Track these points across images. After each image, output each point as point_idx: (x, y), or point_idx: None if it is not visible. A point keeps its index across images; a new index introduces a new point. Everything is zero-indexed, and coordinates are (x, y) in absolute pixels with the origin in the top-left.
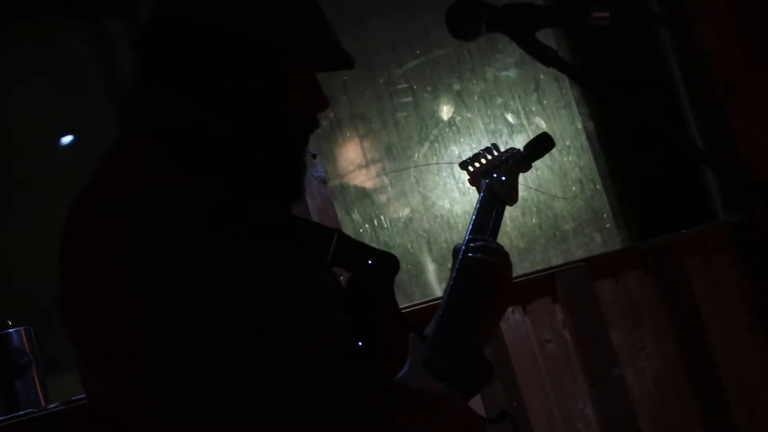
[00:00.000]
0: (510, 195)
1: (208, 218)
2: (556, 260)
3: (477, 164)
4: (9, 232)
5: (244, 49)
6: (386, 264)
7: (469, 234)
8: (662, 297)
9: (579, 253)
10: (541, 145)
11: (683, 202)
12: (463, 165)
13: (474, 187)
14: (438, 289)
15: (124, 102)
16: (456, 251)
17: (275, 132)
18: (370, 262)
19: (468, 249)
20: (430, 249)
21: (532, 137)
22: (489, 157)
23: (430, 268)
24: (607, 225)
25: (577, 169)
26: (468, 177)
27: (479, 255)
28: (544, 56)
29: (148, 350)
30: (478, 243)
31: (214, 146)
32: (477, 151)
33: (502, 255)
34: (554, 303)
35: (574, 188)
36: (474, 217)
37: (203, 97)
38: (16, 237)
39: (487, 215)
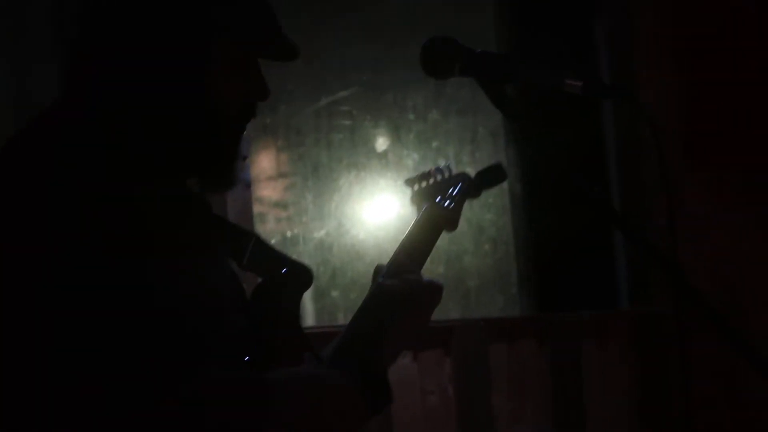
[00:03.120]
0: (451, 222)
1: (81, 204)
2: (454, 314)
3: (424, 183)
4: None
5: (168, 24)
6: (298, 276)
7: (396, 254)
8: (550, 373)
9: (478, 312)
10: (494, 175)
11: (591, 284)
12: (410, 182)
13: (414, 207)
14: (338, 317)
15: (62, 70)
16: (377, 271)
17: (195, 112)
18: (283, 271)
19: (391, 271)
20: (334, 275)
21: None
22: (438, 177)
23: (332, 295)
24: (512, 290)
25: (493, 228)
26: (411, 195)
27: (404, 276)
28: (509, 110)
29: None
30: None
31: (135, 122)
32: (427, 170)
33: (426, 284)
34: (445, 356)
35: (486, 246)
36: (405, 238)
37: (132, 70)
38: None
39: (420, 239)
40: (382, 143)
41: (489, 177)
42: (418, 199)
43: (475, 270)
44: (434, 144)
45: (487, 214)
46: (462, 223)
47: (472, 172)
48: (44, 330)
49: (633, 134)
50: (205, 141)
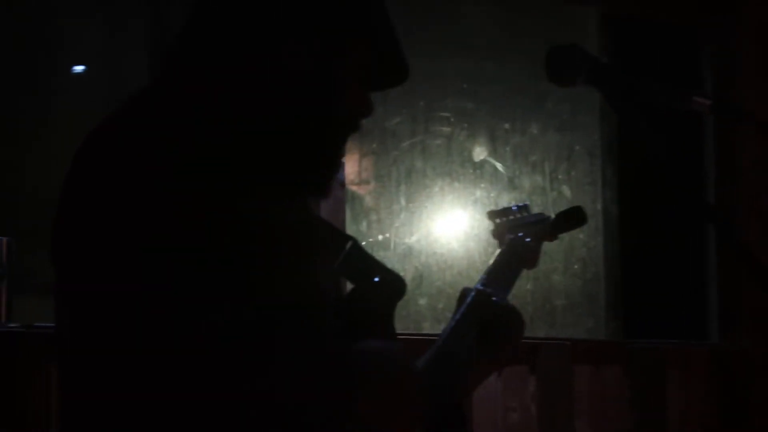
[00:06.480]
0: (530, 259)
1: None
2: (540, 332)
3: (504, 218)
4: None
5: (307, 16)
6: (392, 285)
7: (482, 283)
8: (635, 401)
9: (564, 332)
10: (573, 218)
11: (680, 314)
12: (491, 215)
13: (496, 240)
14: (423, 326)
15: (171, 49)
16: (464, 294)
17: (313, 116)
18: (376, 279)
19: (488, 299)
20: (422, 282)
21: (554, 202)
22: (518, 215)
23: (419, 303)
24: (600, 312)
25: (584, 249)
26: (492, 228)
27: (510, 307)
28: (631, 121)
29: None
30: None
31: (246, 115)
32: (507, 206)
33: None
34: (530, 374)
35: (576, 266)
36: (491, 267)
37: (254, 59)
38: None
39: (505, 270)
40: (479, 153)
41: (568, 219)
42: (501, 232)
43: (563, 289)
44: (531, 158)
45: (579, 234)
46: (554, 241)
47: (566, 189)
48: (132, 324)
49: (731, 149)
50: (314, 145)
